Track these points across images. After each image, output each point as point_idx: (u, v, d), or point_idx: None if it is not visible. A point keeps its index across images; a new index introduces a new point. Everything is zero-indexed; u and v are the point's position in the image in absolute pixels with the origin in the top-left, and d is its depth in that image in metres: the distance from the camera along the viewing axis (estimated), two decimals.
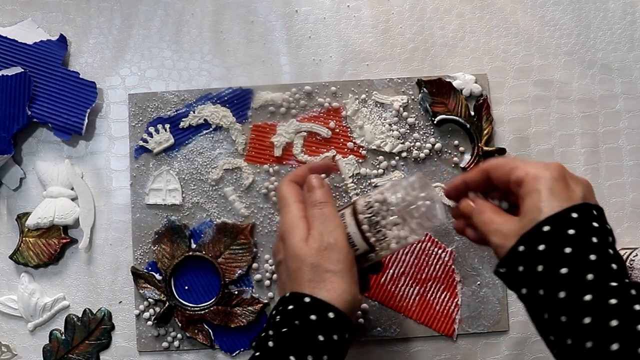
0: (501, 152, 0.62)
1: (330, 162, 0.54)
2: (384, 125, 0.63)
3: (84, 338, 0.61)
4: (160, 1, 0.66)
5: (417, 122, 0.63)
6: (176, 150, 0.63)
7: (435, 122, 0.63)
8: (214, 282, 0.62)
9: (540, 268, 0.38)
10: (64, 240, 0.62)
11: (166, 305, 0.61)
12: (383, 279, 0.62)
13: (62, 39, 0.64)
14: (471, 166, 0.62)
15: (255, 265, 0.62)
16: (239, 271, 0.61)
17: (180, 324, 0.61)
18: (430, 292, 0.62)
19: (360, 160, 0.63)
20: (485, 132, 0.63)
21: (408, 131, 0.63)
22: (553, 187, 0.40)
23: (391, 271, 0.62)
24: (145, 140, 0.63)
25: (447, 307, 0.61)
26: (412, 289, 0.62)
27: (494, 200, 0.46)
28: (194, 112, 0.63)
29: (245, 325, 0.61)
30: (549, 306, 0.38)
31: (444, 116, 0.63)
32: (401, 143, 0.63)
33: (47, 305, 0.61)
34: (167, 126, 0.63)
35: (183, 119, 0.63)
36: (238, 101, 0.64)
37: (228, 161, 0.63)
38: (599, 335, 0.35)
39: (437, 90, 0.63)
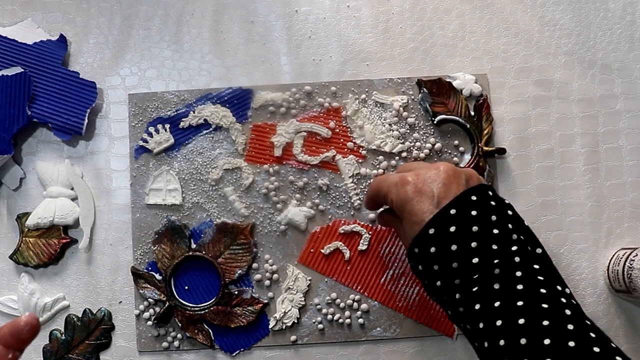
0: (501, 152, 0.62)
1: (32, 321, 0.36)
2: (384, 125, 0.63)
3: (84, 338, 0.61)
4: (160, 1, 0.66)
5: (417, 122, 0.63)
6: (176, 150, 0.63)
7: (435, 122, 0.63)
8: (214, 282, 0.62)
9: (435, 267, 0.45)
10: (64, 240, 0.62)
11: (166, 305, 0.61)
12: (383, 279, 0.62)
13: (62, 39, 0.64)
14: (471, 166, 0.62)
15: (255, 265, 0.62)
16: (239, 271, 0.61)
17: (180, 324, 0.61)
18: None
19: (360, 160, 0.63)
20: (485, 132, 0.63)
21: (408, 131, 0.63)
22: (409, 211, 0.46)
23: (391, 271, 0.62)
24: (145, 140, 0.63)
25: None
26: (412, 289, 0.62)
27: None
28: (194, 112, 0.63)
29: (245, 325, 0.61)
30: (442, 293, 0.45)
31: (444, 116, 0.63)
32: (401, 143, 0.63)
33: (47, 305, 0.61)
34: (167, 126, 0.63)
35: (183, 119, 0.63)
36: (238, 101, 0.64)
37: (228, 161, 0.63)
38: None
39: (437, 90, 0.63)
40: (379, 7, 0.66)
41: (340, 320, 0.61)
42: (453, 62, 0.65)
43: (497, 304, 0.41)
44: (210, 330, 0.61)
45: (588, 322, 0.41)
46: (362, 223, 0.62)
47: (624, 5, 0.66)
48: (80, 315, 0.62)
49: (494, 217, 0.44)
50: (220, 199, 0.63)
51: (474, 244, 0.43)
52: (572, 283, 0.62)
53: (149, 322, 0.61)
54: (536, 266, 0.43)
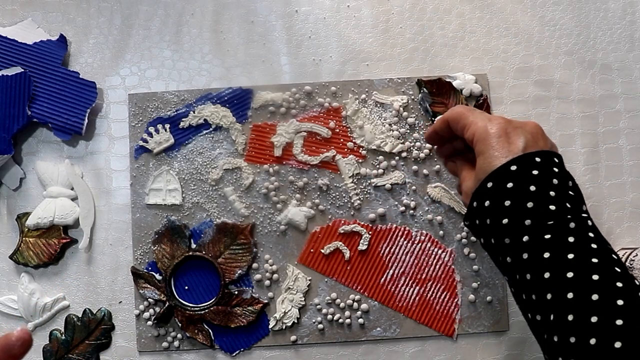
0: None
1: (15, 339, 0.34)
2: (384, 125, 0.63)
3: (84, 338, 0.61)
4: (160, 1, 0.66)
5: (417, 122, 0.63)
6: (176, 150, 0.63)
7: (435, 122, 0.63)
8: (214, 282, 0.62)
9: (488, 221, 0.44)
10: (64, 240, 0.62)
11: (166, 305, 0.61)
12: (383, 279, 0.62)
13: (62, 39, 0.64)
14: None
15: (255, 265, 0.62)
16: (239, 271, 0.61)
17: (180, 324, 0.61)
18: (430, 292, 0.62)
19: (360, 160, 0.63)
20: None
21: (408, 131, 0.63)
22: (494, 146, 0.45)
23: (391, 271, 0.62)
24: (145, 140, 0.63)
25: (447, 307, 0.61)
26: (412, 289, 0.62)
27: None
28: (194, 112, 0.63)
29: (245, 325, 0.61)
30: (503, 251, 0.44)
31: None
32: (401, 143, 0.63)
33: (47, 305, 0.61)
34: (167, 126, 0.63)
35: (183, 119, 0.63)
36: (238, 101, 0.64)
37: (228, 161, 0.63)
38: (557, 267, 0.41)
39: (437, 90, 0.63)
40: (379, 7, 0.66)
41: (340, 320, 0.61)
42: (453, 62, 0.65)
43: (546, 275, 0.41)
44: (210, 330, 0.61)
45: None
46: (362, 223, 0.62)
47: (624, 5, 0.66)
48: (80, 315, 0.62)
49: (570, 183, 0.44)
50: (220, 199, 0.63)
51: (529, 204, 0.42)
52: None
53: (149, 322, 0.61)
54: (593, 245, 0.42)
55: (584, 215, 0.43)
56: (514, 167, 0.43)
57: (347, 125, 0.63)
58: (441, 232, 0.62)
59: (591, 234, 0.42)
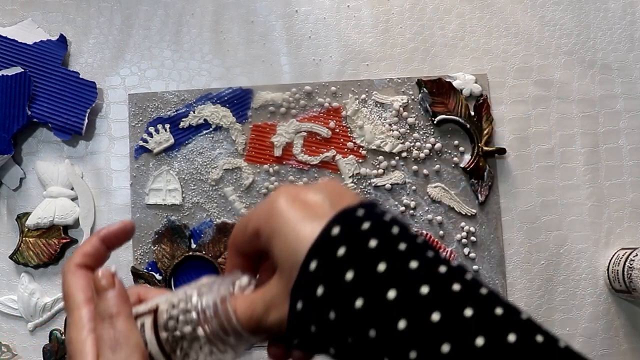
0: (501, 152, 0.62)
1: (128, 224, 0.39)
2: (384, 125, 0.63)
3: None
4: (160, 1, 0.66)
5: (417, 122, 0.63)
6: (176, 150, 0.63)
7: (435, 122, 0.63)
8: None
9: (332, 315, 0.28)
10: (64, 240, 0.62)
11: None
12: None
13: (62, 39, 0.64)
14: (471, 166, 0.62)
15: None
16: None
17: None
18: None
19: (360, 160, 0.63)
20: (485, 132, 0.63)
21: (408, 131, 0.63)
22: (291, 215, 0.30)
23: None
24: (145, 140, 0.63)
25: None
26: None
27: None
28: (194, 112, 0.63)
29: None
30: (364, 349, 0.28)
31: (444, 116, 0.63)
32: (401, 143, 0.63)
33: (47, 305, 0.61)
34: (167, 126, 0.63)
35: (183, 119, 0.63)
36: (238, 101, 0.64)
37: (228, 161, 0.63)
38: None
39: (437, 90, 0.63)
40: (379, 7, 0.66)
41: None
42: (453, 62, 0.65)
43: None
44: None
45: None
46: None
47: (624, 5, 0.66)
48: None
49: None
50: (220, 199, 0.63)
51: (402, 246, 0.29)
52: (572, 283, 0.62)
53: None
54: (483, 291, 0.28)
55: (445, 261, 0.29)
56: (336, 230, 0.29)
57: (347, 125, 0.63)
58: (441, 232, 0.62)
59: (483, 291, 0.28)
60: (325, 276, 0.28)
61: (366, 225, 0.29)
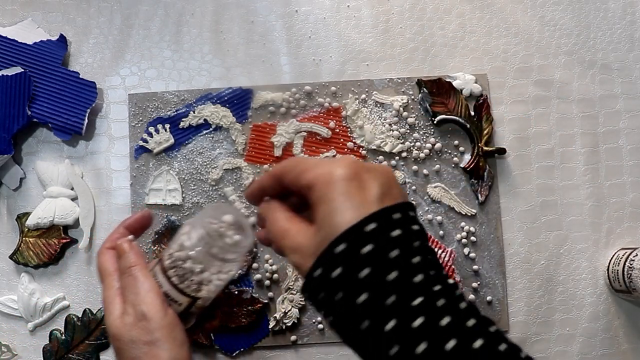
0: (501, 152, 0.62)
1: (146, 213, 0.50)
2: (384, 125, 0.63)
3: (84, 338, 0.61)
4: (160, 1, 0.66)
5: (417, 122, 0.63)
6: (176, 150, 0.63)
7: (435, 122, 0.63)
8: None
9: (339, 295, 0.33)
10: (64, 240, 0.62)
11: None
12: None
13: (62, 39, 0.64)
14: (471, 166, 0.62)
15: (255, 265, 0.62)
16: (239, 271, 0.61)
17: None
18: None
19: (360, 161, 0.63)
20: (485, 132, 0.63)
21: (408, 131, 0.63)
22: (345, 191, 0.34)
23: None
24: (145, 140, 0.63)
25: None
26: None
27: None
28: (194, 112, 0.63)
29: (245, 325, 0.61)
30: (354, 336, 0.33)
31: (444, 116, 0.63)
32: (401, 143, 0.63)
33: (47, 305, 0.61)
34: (167, 126, 0.63)
35: (183, 119, 0.63)
36: (238, 101, 0.64)
37: (228, 161, 0.63)
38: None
39: (437, 90, 0.63)
40: (379, 7, 0.66)
41: None
42: (453, 62, 0.65)
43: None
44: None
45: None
46: None
47: (624, 5, 0.66)
48: (80, 315, 0.62)
49: (426, 241, 0.35)
50: (220, 199, 0.63)
51: (415, 259, 0.33)
52: (572, 283, 0.62)
53: None
54: (462, 305, 0.34)
55: (450, 282, 0.34)
56: (371, 226, 0.33)
57: (347, 125, 0.63)
58: (441, 232, 0.62)
59: (462, 305, 0.33)
60: (345, 263, 0.33)
61: (395, 232, 0.33)
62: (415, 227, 0.34)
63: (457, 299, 0.33)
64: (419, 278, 0.32)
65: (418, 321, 0.31)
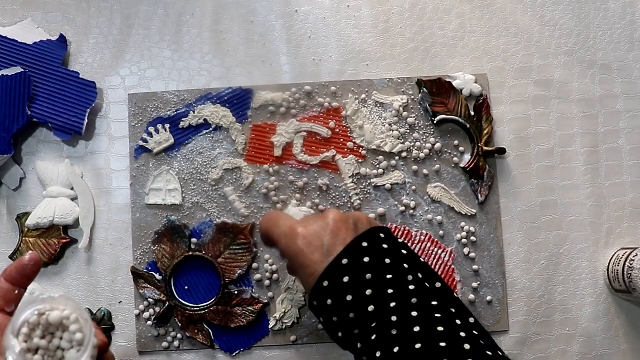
0: (501, 152, 0.62)
1: (27, 261, 0.42)
2: (384, 125, 0.63)
3: None
4: (160, 1, 0.66)
5: (417, 122, 0.63)
6: (176, 150, 0.63)
7: (435, 122, 0.63)
8: (214, 282, 0.62)
9: (349, 298, 0.43)
10: (64, 240, 0.62)
11: (166, 305, 0.61)
12: None
13: (62, 39, 0.64)
14: (471, 166, 0.62)
15: (255, 265, 0.62)
16: (239, 271, 0.61)
17: (180, 324, 0.61)
18: None
19: (360, 160, 0.63)
20: (485, 132, 0.63)
21: (408, 131, 0.63)
22: (303, 263, 0.45)
23: None
24: (145, 140, 0.63)
25: None
26: None
27: None
28: (194, 112, 0.63)
29: (245, 325, 0.61)
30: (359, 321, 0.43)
31: (444, 116, 0.63)
32: (401, 143, 0.63)
33: None
34: (167, 126, 0.63)
35: (183, 119, 0.63)
36: (238, 101, 0.64)
37: (228, 161, 0.63)
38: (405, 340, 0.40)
39: (437, 90, 0.63)
40: (379, 7, 0.66)
41: None
42: (453, 62, 0.65)
43: (396, 349, 0.40)
44: (210, 330, 0.61)
45: (489, 353, 0.40)
46: None
47: (624, 5, 0.66)
48: None
49: (387, 261, 0.44)
50: (220, 199, 0.63)
51: (368, 292, 0.42)
52: (572, 283, 0.62)
53: (149, 322, 0.61)
54: (434, 302, 0.42)
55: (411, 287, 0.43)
56: (345, 261, 0.43)
57: (347, 125, 0.63)
58: (441, 232, 0.62)
59: (437, 314, 0.42)
60: (352, 271, 0.43)
61: (346, 278, 0.43)
62: (385, 245, 0.46)
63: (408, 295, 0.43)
64: (389, 291, 0.43)
65: (392, 304, 0.42)
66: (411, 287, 0.42)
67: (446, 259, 0.62)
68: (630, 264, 0.57)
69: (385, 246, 0.44)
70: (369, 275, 0.42)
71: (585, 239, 0.63)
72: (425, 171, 0.63)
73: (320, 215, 0.47)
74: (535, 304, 0.62)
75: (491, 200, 0.63)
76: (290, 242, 0.45)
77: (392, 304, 0.41)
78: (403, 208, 0.62)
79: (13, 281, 0.41)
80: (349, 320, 0.42)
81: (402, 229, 0.62)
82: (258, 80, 0.65)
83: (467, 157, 0.63)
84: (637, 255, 0.57)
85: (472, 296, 0.61)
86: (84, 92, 0.63)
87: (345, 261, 0.43)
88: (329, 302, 0.43)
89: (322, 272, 0.43)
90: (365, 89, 0.64)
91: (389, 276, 0.42)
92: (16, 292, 0.41)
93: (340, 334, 0.43)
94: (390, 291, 0.42)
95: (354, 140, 0.63)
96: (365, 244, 0.44)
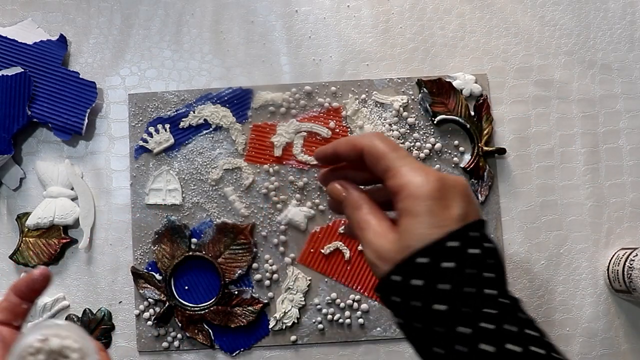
0: (501, 152, 0.62)
1: (37, 275, 0.41)
2: (384, 125, 0.63)
3: None
4: (160, 1, 0.66)
5: (417, 122, 0.63)
6: (176, 150, 0.63)
7: (435, 122, 0.63)
8: (214, 282, 0.62)
9: (417, 304, 0.35)
10: (64, 240, 0.62)
11: (166, 305, 0.61)
12: None
13: (62, 39, 0.64)
14: (471, 166, 0.62)
15: (255, 265, 0.62)
16: (239, 271, 0.61)
17: (180, 324, 0.61)
18: None
19: None
20: (485, 132, 0.63)
21: (408, 131, 0.63)
22: (430, 209, 0.36)
23: None
24: (145, 140, 0.63)
25: None
26: None
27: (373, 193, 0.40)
28: (194, 112, 0.63)
29: (245, 325, 0.61)
30: (426, 338, 0.36)
31: (444, 116, 0.63)
32: (401, 143, 0.63)
33: (47, 305, 0.61)
34: (167, 126, 0.63)
35: (183, 119, 0.63)
36: (238, 101, 0.64)
37: (228, 161, 0.63)
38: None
39: (437, 90, 0.63)
40: (379, 7, 0.66)
41: (340, 320, 0.61)
42: (453, 62, 0.65)
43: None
44: (210, 330, 0.61)
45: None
46: None
47: (624, 5, 0.66)
48: (80, 315, 0.62)
49: (495, 256, 0.37)
50: (220, 199, 0.63)
51: (490, 275, 0.36)
52: (572, 283, 0.62)
53: (149, 322, 0.61)
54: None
55: (512, 296, 0.37)
56: (453, 244, 0.35)
57: (347, 125, 0.63)
58: None
59: (522, 315, 0.36)
60: (426, 274, 0.35)
61: (473, 250, 0.36)
62: (489, 244, 0.37)
63: (518, 311, 0.36)
64: (490, 292, 0.35)
65: (490, 326, 0.34)
66: (516, 310, 0.37)
67: None
68: (630, 264, 0.57)
69: (487, 245, 0.38)
70: (471, 271, 0.36)
71: (585, 239, 0.63)
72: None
73: (451, 177, 0.39)
74: (535, 304, 0.62)
75: (491, 200, 0.63)
76: (424, 179, 0.37)
77: (490, 319, 0.35)
78: None
79: (22, 295, 0.41)
80: (435, 312, 0.36)
81: None
82: (258, 80, 0.65)
83: (467, 157, 0.63)
84: (637, 255, 0.57)
85: None
86: (84, 92, 0.63)
87: (453, 244, 0.36)
88: (449, 264, 0.36)
89: (425, 245, 0.36)
90: (365, 89, 0.64)
91: (489, 284, 0.36)
92: (24, 306, 0.41)
93: (416, 325, 0.37)
94: (488, 292, 0.36)
95: None
96: (475, 234, 0.37)
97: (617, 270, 0.59)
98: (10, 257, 0.62)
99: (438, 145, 0.63)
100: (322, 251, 0.62)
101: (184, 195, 0.63)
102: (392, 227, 0.38)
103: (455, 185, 0.38)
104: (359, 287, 0.62)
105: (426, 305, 0.35)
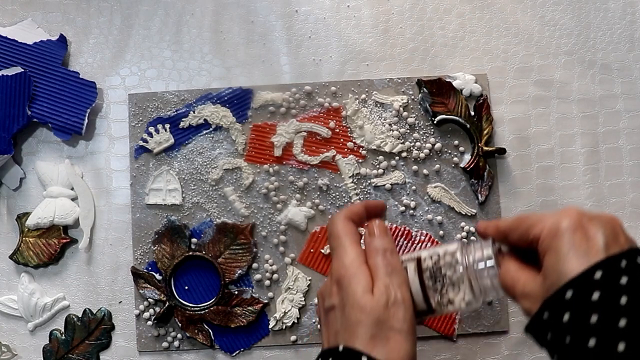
0: (501, 152, 0.62)
1: (383, 203, 0.50)
2: (384, 125, 0.63)
3: (84, 338, 0.61)
4: (160, 1, 0.66)
5: (417, 122, 0.63)
6: (176, 150, 0.63)
7: (435, 122, 0.63)
8: (214, 282, 0.62)
9: (567, 339, 0.35)
10: (64, 240, 0.62)
11: (166, 305, 0.61)
12: None
13: (62, 39, 0.64)
14: (471, 166, 0.62)
15: (255, 265, 0.62)
16: (239, 271, 0.61)
17: (180, 324, 0.61)
18: None
19: (360, 160, 0.63)
20: (485, 132, 0.63)
21: (408, 131, 0.63)
22: (571, 241, 0.37)
23: None
24: (145, 140, 0.63)
25: None
26: None
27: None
28: (194, 112, 0.63)
29: (245, 325, 0.61)
30: None
31: (444, 116, 0.63)
32: (401, 143, 0.63)
33: (47, 305, 0.61)
34: (167, 126, 0.63)
35: (183, 119, 0.63)
36: (238, 101, 0.64)
37: (228, 161, 0.63)
38: None
39: (437, 90, 0.63)
40: (379, 7, 0.66)
41: None
42: (453, 62, 0.65)
43: None
44: (210, 330, 0.61)
45: None
46: None
47: (624, 5, 0.66)
48: (80, 315, 0.62)
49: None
50: (220, 199, 0.63)
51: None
52: None
53: (149, 322, 0.61)
54: None
55: None
56: (598, 274, 0.35)
57: (347, 125, 0.63)
58: (441, 232, 0.62)
59: None
60: (574, 308, 0.35)
61: (624, 280, 0.34)
62: None
63: None
64: None
65: None
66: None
67: None
68: None
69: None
70: (623, 300, 0.35)
71: None
72: (425, 171, 0.63)
73: (595, 212, 0.40)
74: None
75: (491, 200, 0.63)
76: (559, 217, 0.38)
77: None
78: (403, 208, 0.62)
79: (368, 210, 0.48)
80: (587, 349, 0.35)
81: (402, 229, 0.62)
82: (258, 80, 0.65)
83: (467, 157, 0.63)
84: None
85: None
86: (84, 92, 0.63)
87: (598, 275, 0.35)
88: (566, 317, 0.35)
89: (569, 279, 0.35)
90: (365, 89, 0.64)
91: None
92: (364, 219, 0.47)
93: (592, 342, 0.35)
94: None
95: (354, 140, 0.63)
96: (624, 263, 0.37)
97: None
98: (10, 257, 0.62)
99: (438, 145, 0.63)
100: (322, 251, 0.62)
101: (184, 195, 0.63)
102: (537, 273, 0.39)
103: (599, 216, 0.39)
104: None
105: (578, 342, 0.34)
